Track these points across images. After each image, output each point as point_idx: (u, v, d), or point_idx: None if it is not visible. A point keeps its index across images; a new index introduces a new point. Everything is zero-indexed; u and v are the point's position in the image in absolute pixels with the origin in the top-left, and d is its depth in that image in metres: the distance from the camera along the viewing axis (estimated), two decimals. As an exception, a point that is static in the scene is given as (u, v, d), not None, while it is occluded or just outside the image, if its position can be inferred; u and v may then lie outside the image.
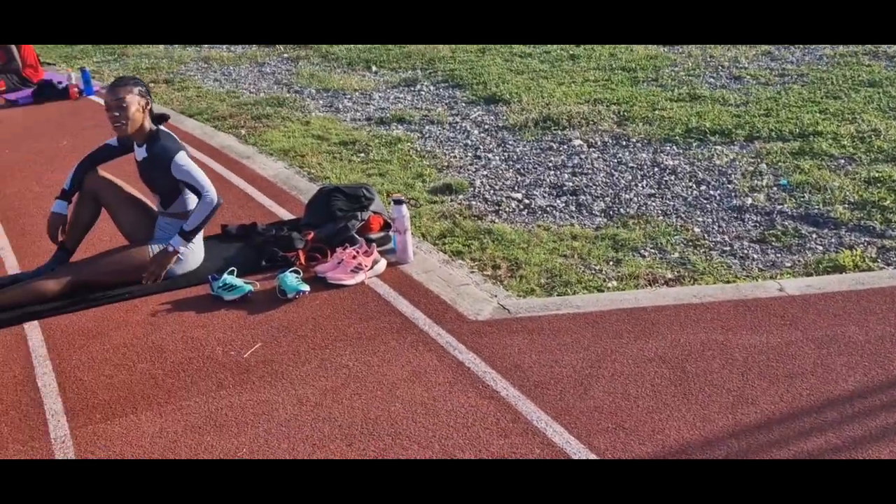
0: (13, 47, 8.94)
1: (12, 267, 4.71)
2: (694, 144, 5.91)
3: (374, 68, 8.93)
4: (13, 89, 8.98)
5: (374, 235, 4.57)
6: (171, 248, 4.21)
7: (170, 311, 4.07)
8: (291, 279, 4.11)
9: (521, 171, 5.73)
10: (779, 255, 4.33)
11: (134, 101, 4.15)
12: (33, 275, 4.34)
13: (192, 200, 4.29)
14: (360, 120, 7.17)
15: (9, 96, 8.79)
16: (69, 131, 7.40)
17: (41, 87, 8.68)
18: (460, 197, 5.35)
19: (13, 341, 3.90)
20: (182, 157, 4.18)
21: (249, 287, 4.14)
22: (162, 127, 4.31)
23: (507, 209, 5.12)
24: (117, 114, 4.13)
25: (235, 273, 4.20)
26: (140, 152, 4.30)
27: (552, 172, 5.65)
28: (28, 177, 6.26)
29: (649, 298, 3.88)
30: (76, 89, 8.56)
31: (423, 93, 7.86)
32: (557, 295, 4.03)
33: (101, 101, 8.26)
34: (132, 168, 4.38)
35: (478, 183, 5.56)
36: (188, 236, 4.21)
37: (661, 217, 4.84)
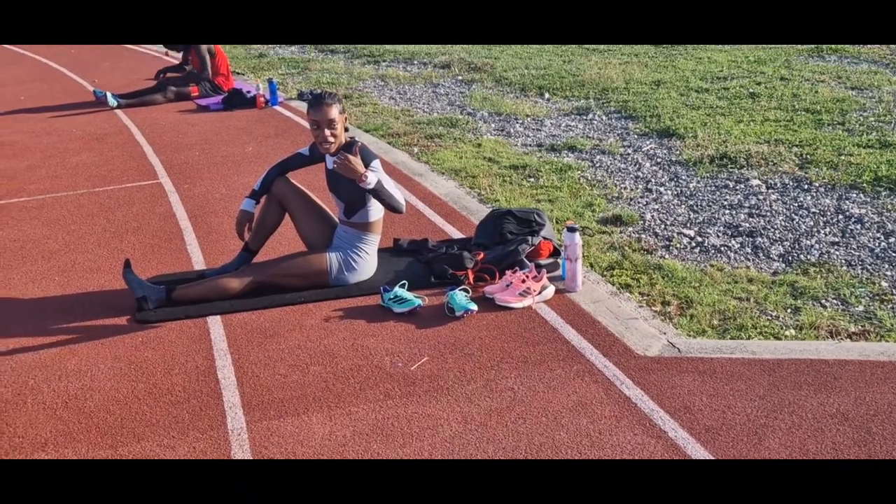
0: (206, 56, 9.53)
1: (199, 263, 4.99)
2: (883, 193, 5.60)
3: (546, 95, 8.96)
4: (206, 95, 9.57)
5: (543, 261, 4.57)
6: (368, 175, 4.20)
7: (342, 318, 4.20)
8: (460, 297, 4.16)
9: (694, 207, 5.60)
10: (977, 319, 4.04)
11: (341, 119, 4.31)
12: (218, 272, 4.58)
13: (374, 212, 4.41)
14: (531, 145, 7.20)
15: (201, 102, 9.36)
16: (255, 138, 7.79)
17: (231, 95, 9.19)
18: (630, 229, 5.28)
19: (197, 333, 4.12)
20: (377, 165, 4.31)
21: (419, 301, 4.22)
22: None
23: (678, 245, 5.01)
24: (327, 132, 4.28)
25: (407, 286, 4.29)
26: (332, 161, 4.45)
27: (727, 211, 5.49)
28: (216, 178, 6.62)
29: (831, 351, 3.70)
30: (263, 99, 9.01)
31: (594, 122, 7.82)
32: (731, 338, 3.91)
33: (289, 115, 8.67)
34: (310, 177, 4.52)
35: (648, 216, 5.47)
36: (377, 180, 4.23)
37: (846, 267, 4.61)
